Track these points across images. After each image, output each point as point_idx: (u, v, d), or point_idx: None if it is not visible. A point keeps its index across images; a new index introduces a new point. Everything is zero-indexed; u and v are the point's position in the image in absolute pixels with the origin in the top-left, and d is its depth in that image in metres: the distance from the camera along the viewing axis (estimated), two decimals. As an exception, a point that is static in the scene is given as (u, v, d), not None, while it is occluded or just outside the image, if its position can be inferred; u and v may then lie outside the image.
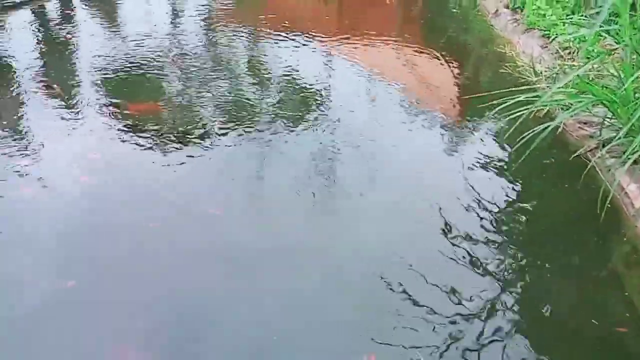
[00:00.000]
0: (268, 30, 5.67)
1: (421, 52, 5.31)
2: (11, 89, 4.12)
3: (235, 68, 4.82)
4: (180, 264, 2.57)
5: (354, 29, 6.00)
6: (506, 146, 3.59)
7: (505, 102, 3.40)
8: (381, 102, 4.34)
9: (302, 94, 4.35)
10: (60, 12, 5.87)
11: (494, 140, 3.75)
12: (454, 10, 6.42)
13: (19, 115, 3.77)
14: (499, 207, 3.01)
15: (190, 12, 6.17)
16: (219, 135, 3.66)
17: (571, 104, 3.30)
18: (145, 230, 2.79)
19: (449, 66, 5.03)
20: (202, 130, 3.69)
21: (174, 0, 6.80)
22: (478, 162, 3.46)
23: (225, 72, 4.69)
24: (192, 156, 3.39)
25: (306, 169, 3.38)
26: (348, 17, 6.78)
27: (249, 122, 3.82)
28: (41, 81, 4.21)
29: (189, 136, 3.60)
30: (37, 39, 5.15)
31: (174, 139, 3.54)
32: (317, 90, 4.43)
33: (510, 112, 3.32)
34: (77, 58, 4.76)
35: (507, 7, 5.50)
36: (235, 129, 3.73)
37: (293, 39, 5.49)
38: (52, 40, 5.12)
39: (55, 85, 4.06)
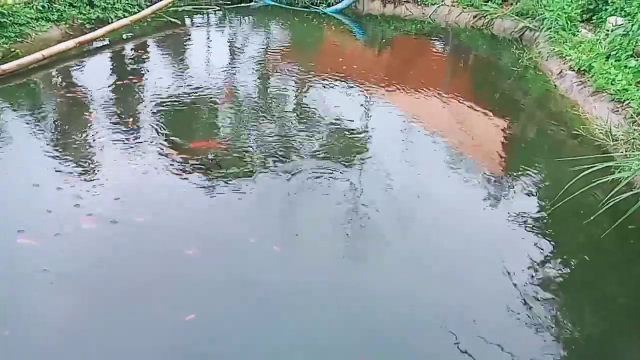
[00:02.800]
0: (318, 75, 5.85)
1: (471, 107, 5.32)
2: (84, 121, 4.33)
3: (284, 109, 4.98)
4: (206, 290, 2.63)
5: (402, 78, 6.10)
6: (571, 211, 3.49)
7: (576, 166, 3.40)
8: (423, 152, 4.36)
9: (346, 139, 4.44)
10: (135, 53, 6.20)
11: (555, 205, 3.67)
12: (513, 67, 6.49)
13: (88, 146, 3.94)
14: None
15: (248, 55, 6.47)
16: (264, 172, 3.77)
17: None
18: (181, 257, 2.88)
19: (502, 123, 5.04)
20: (249, 167, 3.81)
21: (234, 42, 7.13)
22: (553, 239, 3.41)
23: (274, 113, 4.84)
24: (241, 190, 3.51)
25: (343, 212, 3.41)
26: (398, 66, 6.92)
27: (293, 163, 3.92)
28: (112, 114, 4.41)
29: (237, 171, 3.71)
30: (112, 77, 5.41)
31: (224, 174, 3.66)
32: (361, 136, 4.52)
33: (579, 175, 3.31)
34: (143, 96, 4.97)
35: (572, 69, 5.54)
36: (279, 167, 3.83)
37: (341, 85, 5.65)
38: (124, 79, 5.36)
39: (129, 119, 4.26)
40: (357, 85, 5.67)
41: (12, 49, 5.26)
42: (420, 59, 7.37)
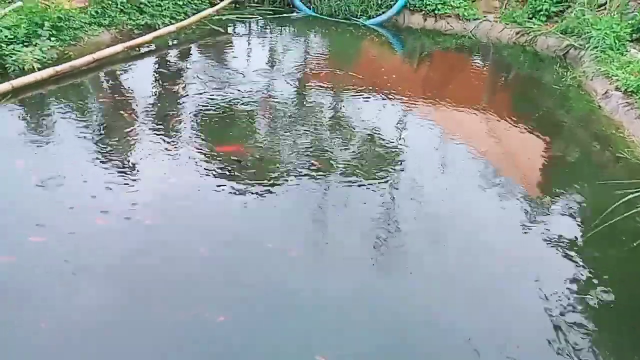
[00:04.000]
0: (355, 86, 5.86)
1: (511, 124, 5.21)
2: (123, 121, 4.50)
3: (318, 119, 5.01)
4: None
5: (440, 93, 6.04)
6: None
7: (618, 190, 3.28)
8: (459, 168, 4.29)
9: (379, 151, 4.42)
10: (178, 59, 6.41)
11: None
12: (555, 86, 6.33)
13: (123, 145, 4.10)
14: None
15: (286, 65, 6.55)
16: (296, 180, 3.79)
17: None
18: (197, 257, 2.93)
19: (542, 142, 4.91)
20: (280, 175, 3.85)
21: (273, 51, 7.26)
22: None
23: (309, 122, 4.88)
24: (271, 198, 3.55)
25: (373, 225, 3.39)
26: (436, 80, 6.85)
27: (325, 172, 3.93)
28: (150, 117, 4.56)
29: (268, 179, 3.76)
30: (154, 81, 5.60)
31: (254, 179, 3.72)
32: (395, 149, 4.49)
33: (622, 199, 3.20)
34: (182, 100, 5.09)
35: (619, 90, 5.36)
36: (311, 176, 3.85)
37: (378, 97, 5.65)
38: (164, 83, 5.53)
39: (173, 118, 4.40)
40: (394, 98, 5.67)
41: (66, 52, 5.54)
42: (460, 74, 7.30)
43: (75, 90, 5.11)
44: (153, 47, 6.41)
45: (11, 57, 4.94)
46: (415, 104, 5.60)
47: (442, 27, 8.62)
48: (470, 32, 8.43)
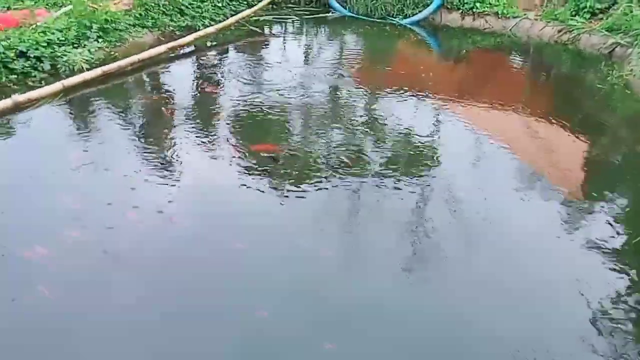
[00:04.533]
0: (391, 86, 5.83)
1: (551, 125, 5.06)
2: (163, 120, 4.66)
3: (354, 118, 5.01)
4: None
5: (478, 92, 5.94)
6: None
7: None
8: (496, 170, 4.20)
9: (414, 152, 4.37)
10: (217, 60, 6.58)
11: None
12: (599, 85, 6.13)
13: (162, 144, 4.23)
14: None
15: (322, 64, 6.60)
16: (328, 179, 3.80)
17: None
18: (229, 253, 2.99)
19: (585, 144, 4.75)
20: (313, 174, 3.87)
21: (309, 51, 7.33)
22: None
23: (344, 121, 4.89)
24: (303, 197, 3.58)
25: (406, 227, 3.35)
26: (474, 80, 6.73)
27: (358, 173, 3.92)
28: (189, 116, 4.70)
29: (301, 178, 3.79)
30: (193, 81, 5.75)
31: (289, 178, 3.76)
32: (431, 149, 4.43)
33: None
34: (219, 100, 5.21)
35: (668, 90, 5.14)
36: (343, 176, 3.85)
37: (413, 97, 5.60)
38: (203, 83, 5.66)
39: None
40: (430, 98, 5.63)
41: (112, 53, 5.78)
42: (498, 73, 7.16)
43: (120, 89, 5.32)
44: (193, 47, 6.59)
45: (62, 58, 5.20)
46: (451, 104, 5.53)
47: (480, 25, 8.48)
48: (510, 30, 8.25)
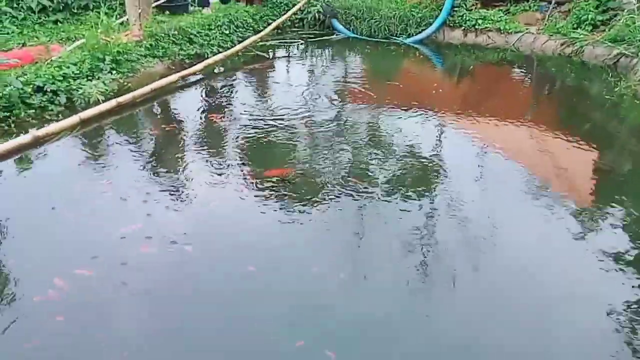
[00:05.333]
0: (395, 104, 5.91)
1: (557, 137, 5.10)
2: (174, 148, 4.72)
3: (359, 137, 5.05)
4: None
5: (483, 107, 5.99)
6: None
7: None
8: (504, 183, 4.21)
9: (422, 168, 4.42)
10: (224, 86, 6.68)
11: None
12: (606, 96, 6.17)
13: (177, 171, 4.28)
14: None
15: (326, 86, 6.70)
16: (336, 199, 3.85)
17: None
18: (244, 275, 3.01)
19: (593, 155, 4.77)
20: (320, 193, 3.92)
21: (313, 73, 7.43)
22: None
23: (349, 141, 4.93)
24: (311, 216, 3.63)
25: (414, 243, 3.37)
26: (478, 95, 6.80)
27: (365, 190, 3.97)
28: (201, 144, 4.75)
29: (308, 198, 3.84)
30: (202, 108, 5.79)
31: (297, 200, 3.81)
32: (437, 165, 4.47)
33: None
34: (228, 126, 5.26)
35: (679, 99, 5.18)
36: (350, 195, 3.90)
37: (418, 114, 5.65)
38: (212, 109, 5.73)
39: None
40: (435, 114, 5.70)
41: (125, 83, 5.89)
42: (502, 87, 7.24)
43: (134, 119, 5.40)
44: (200, 75, 6.69)
45: (78, 91, 5.30)
46: (457, 119, 5.59)
47: (483, 41, 8.60)
48: (513, 45, 8.36)
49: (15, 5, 6.74)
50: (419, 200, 3.89)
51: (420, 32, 8.69)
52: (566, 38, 7.88)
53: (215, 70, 7.00)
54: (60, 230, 3.48)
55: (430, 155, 4.67)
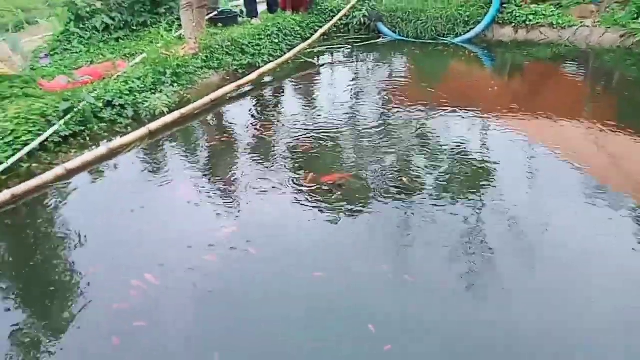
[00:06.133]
0: (443, 105, 5.83)
1: (617, 134, 4.88)
2: (230, 157, 4.88)
3: (407, 140, 5.03)
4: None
5: (536, 105, 5.82)
6: None
7: None
8: (560, 184, 4.08)
9: (470, 170, 4.35)
10: (274, 93, 6.86)
11: None
12: (674, 89, 5.89)
13: (235, 177, 4.42)
14: None
15: (373, 89, 6.72)
16: (389, 202, 3.86)
17: None
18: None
19: None
20: (370, 197, 3.95)
21: (359, 77, 7.47)
22: None
23: (399, 144, 4.92)
24: (360, 220, 3.68)
25: (464, 246, 3.35)
26: (531, 92, 6.61)
27: (415, 194, 3.97)
28: (254, 152, 4.89)
29: (357, 202, 3.88)
30: (254, 116, 5.96)
31: (353, 205, 3.86)
32: (488, 166, 4.39)
33: None
34: (280, 134, 5.37)
35: None
36: (400, 199, 3.90)
37: (467, 114, 5.57)
38: (263, 117, 5.88)
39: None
40: (485, 114, 5.61)
41: (185, 95, 6.16)
42: (556, 84, 7.02)
43: (193, 130, 5.62)
44: (251, 85, 6.83)
45: (144, 104, 5.60)
46: (508, 119, 5.48)
47: (535, 37, 8.38)
48: (567, 39, 8.10)
49: (82, 25, 7.18)
50: (474, 203, 3.86)
51: (468, 31, 8.57)
52: (625, 29, 7.56)
53: (265, 79, 7.17)
54: (131, 237, 3.69)
55: (481, 156, 4.62)
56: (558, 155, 4.59)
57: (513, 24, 8.50)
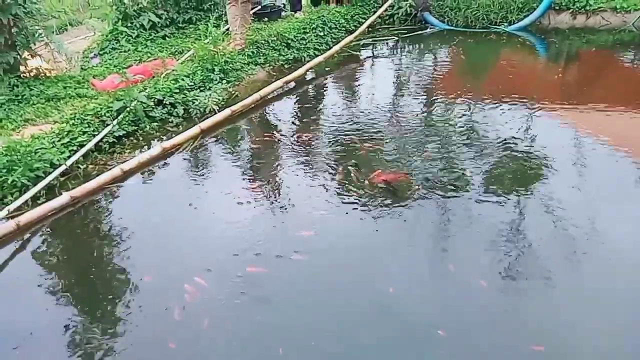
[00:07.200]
0: (493, 96, 5.57)
1: None
2: (276, 152, 4.79)
3: (454, 133, 4.81)
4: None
5: (592, 96, 5.51)
6: None
7: None
8: (614, 181, 3.85)
9: (518, 164, 4.16)
10: (319, 88, 6.67)
11: None
12: None
13: (283, 176, 4.32)
14: None
15: (419, 81, 6.51)
16: (428, 201, 3.72)
17: None
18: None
19: None
20: (416, 195, 3.82)
21: (406, 70, 7.20)
22: None
23: (443, 138, 4.72)
24: (406, 219, 3.55)
25: (510, 245, 3.22)
26: (588, 82, 6.25)
27: (461, 190, 3.82)
28: (298, 150, 4.71)
29: (404, 200, 3.77)
30: (298, 113, 5.82)
31: (403, 204, 3.72)
32: (538, 161, 4.17)
33: None
34: (323, 128, 5.23)
35: None
36: (445, 197, 3.75)
37: (518, 106, 5.30)
38: (306, 114, 5.70)
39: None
40: (537, 105, 5.32)
41: (233, 92, 6.07)
42: (616, 73, 6.57)
43: (242, 128, 5.49)
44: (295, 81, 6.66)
45: (194, 102, 5.54)
46: (560, 110, 5.19)
47: (595, 23, 7.89)
48: (633, 24, 7.56)
49: (129, 24, 7.21)
50: (526, 198, 3.71)
51: (523, 19, 8.14)
52: (700, 12, 6.98)
53: (310, 75, 6.99)
54: (182, 241, 3.61)
55: (529, 150, 4.40)
56: (614, 150, 4.32)
57: (571, 10, 8.01)
